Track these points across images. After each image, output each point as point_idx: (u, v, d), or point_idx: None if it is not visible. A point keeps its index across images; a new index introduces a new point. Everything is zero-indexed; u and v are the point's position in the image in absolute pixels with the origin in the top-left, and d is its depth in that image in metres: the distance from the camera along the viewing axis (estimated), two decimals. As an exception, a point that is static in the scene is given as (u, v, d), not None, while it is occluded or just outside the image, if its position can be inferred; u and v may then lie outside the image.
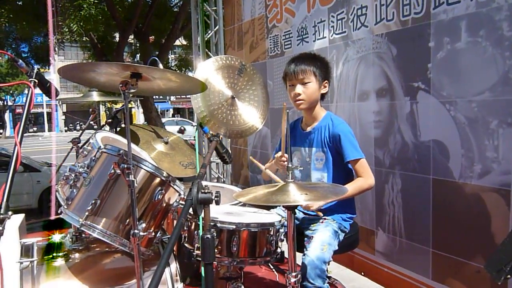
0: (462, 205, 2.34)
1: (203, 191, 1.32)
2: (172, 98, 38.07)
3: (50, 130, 33.09)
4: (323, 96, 2.29)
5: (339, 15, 3.08)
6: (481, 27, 2.16)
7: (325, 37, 3.25)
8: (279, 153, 2.16)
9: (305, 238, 2.13)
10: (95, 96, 3.02)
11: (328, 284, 2.00)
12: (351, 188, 2.08)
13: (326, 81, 2.25)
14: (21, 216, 2.46)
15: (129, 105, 1.68)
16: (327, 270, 2.02)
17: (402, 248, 2.75)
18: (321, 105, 2.32)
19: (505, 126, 2.09)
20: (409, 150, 2.63)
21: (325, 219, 2.19)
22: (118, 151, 1.75)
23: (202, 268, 1.46)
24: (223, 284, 2.11)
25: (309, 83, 2.19)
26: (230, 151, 1.94)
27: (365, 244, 3.03)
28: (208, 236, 1.36)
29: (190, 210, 1.38)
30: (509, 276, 1.46)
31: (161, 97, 34.78)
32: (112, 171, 1.70)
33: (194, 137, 2.59)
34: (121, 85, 1.58)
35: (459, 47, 2.27)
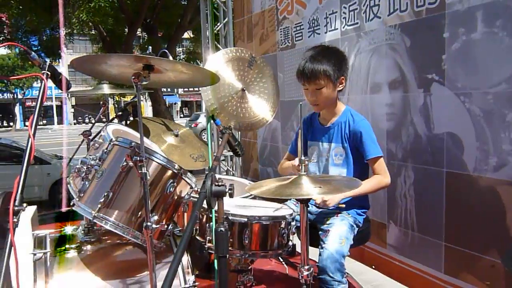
0: (476, 199, 2.31)
1: (216, 183, 1.31)
2: (180, 91, 38.13)
3: (59, 123, 33.35)
4: (341, 90, 2.25)
5: (351, 6, 3.04)
6: (498, 17, 2.11)
7: (337, 29, 3.21)
8: (297, 160, 2.00)
9: (320, 232, 2.11)
10: (106, 89, 3.02)
11: (346, 279, 1.98)
12: (368, 184, 2.06)
13: (342, 77, 2.17)
14: (33, 208, 2.47)
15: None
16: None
17: (414, 242, 2.73)
18: (339, 100, 2.28)
19: (522, 118, 2.05)
20: (422, 142, 2.59)
21: (339, 213, 2.17)
22: (130, 144, 1.75)
23: (215, 261, 1.45)
24: (234, 277, 2.11)
25: (322, 89, 2.12)
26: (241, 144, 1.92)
27: (376, 237, 3.01)
28: (222, 229, 1.35)
29: (204, 203, 1.37)
30: (527, 271, 1.44)
31: (169, 90, 34.86)
32: (125, 163, 1.70)
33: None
34: (133, 77, 1.57)
35: (475, 38, 2.22)
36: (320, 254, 1.98)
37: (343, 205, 2.07)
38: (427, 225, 2.63)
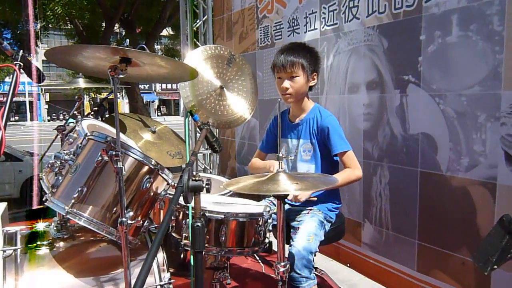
0: (448, 198, 2.36)
1: (193, 178, 1.30)
2: (158, 89, 37.75)
3: (32, 119, 32.48)
4: (311, 87, 2.28)
5: (331, 6, 3.07)
6: (472, 21, 2.17)
7: (316, 29, 3.24)
8: (276, 164, 1.82)
9: (291, 229, 2.12)
10: (81, 83, 2.96)
11: (314, 275, 2.00)
12: (339, 177, 2.07)
13: (315, 73, 2.23)
14: (3, 205, 2.40)
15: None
16: (313, 261, 2.02)
17: (389, 240, 2.77)
18: (308, 97, 2.30)
19: (493, 120, 2.11)
20: (397, 142, 2.64)
21: (310, 209, 2.19)
22: (105, 138, 1.71)
23: (191, 257, 1.44)
24: (210, 274, 2.10)
25: (297, 77, 2.17)
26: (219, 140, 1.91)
27: (352, 235, 3.05)
28: (199, 224, 1.33)
29: (180, 199, 1.35)
30: (495, 266, 1.48)
31: (146, 87, 34.45)
32: (100, 158, 1.67)
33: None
34: (110, 70, 1.54)
35: (450, 41, 2.28)
36: (289, 251, 1.99)
37: (315, 198, 2.08)
38: (401, 223, 2.68)
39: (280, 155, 1.71)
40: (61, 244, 1.93)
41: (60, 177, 1.76)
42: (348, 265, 3.17)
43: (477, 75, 2.16)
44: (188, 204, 1.72)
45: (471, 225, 2.24)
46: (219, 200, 2.25)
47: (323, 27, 3.17)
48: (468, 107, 2.22)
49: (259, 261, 3.19)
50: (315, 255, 2.04)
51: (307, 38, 3.32)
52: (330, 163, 2.23)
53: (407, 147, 2.58)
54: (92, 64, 1.69)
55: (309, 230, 2.05)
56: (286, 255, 1.83)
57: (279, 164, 1.70)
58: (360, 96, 2.89)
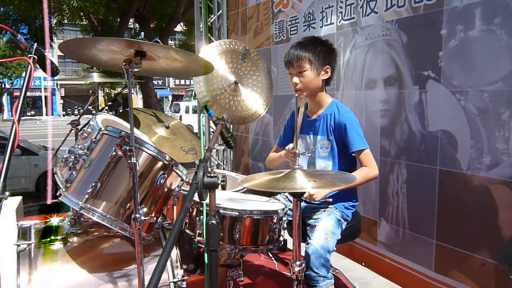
0: (469, 197, 2.30)
1: (209, 175, 1.27)
2: (171, 84, 37.91)
3: (48, 114, 32.92)
4: (327, 81, 2.22)
5: (348, 0, 3.00)
6: (497, 15, 2.09)
7: (333, 23, 3.17)
8: (291, 145, 2.03)
9: (308, 227, 2.09)
10: (96, 77, 2.95)
11: (332, 274, 1.96)
12: (357, 176, 2.03)
13: (327, 66, 2.15)
14: (18, 199, 2.40)
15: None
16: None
17: (405, 239, 2.72)
18: (326, 91, 2.25)
19: (517, 117, 2.04)
20: (416, 140, 2.58)
21: (327, 207, 2.15)
22: (119, 133, 1.69)
23: (205, 255, 1.41)
24: (223, 271, 2.08)
25: (305, 72, 2.12)
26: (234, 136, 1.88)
27: (367, 234, 3.00)
28: (213, 222, 1.30)
29: (195, 195, 1.33)
30: (521, 270, 1.43)
31: (160, 83, 34.63)
32: (114, 153, 1.65)
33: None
34: (124, 63, 1.52)
35: (473, 35, 2.21)
36: (306, 249, 1.96)
37: (330, 199, 2.04)
38: (418, 223, 2.62)
39: (297, 151, 1.67)
40: (75, 239, 1.92)
41: (74, 172, 1.75)
42: (363, 264, 3.12)
43: (500, 70, 2.09)
44: (202, 201, 1.69)
45: (492, 225, 2.17)
46: (233, 196, 2.22)
47: (339, 22, 3.11)
48: (490, 103, 2.15)
49: (273, 258, 3.17)
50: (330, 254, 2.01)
51: (323, 33, 3.27)
52: (348, 160, 2.18)
53: (426, 145, 2.52)
54: (107, 57, 1.66)
55: (326, 228, 2.01)
56: (302, 254, 1.80)
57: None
58: (377, 92, 2.83)
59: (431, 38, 2.41)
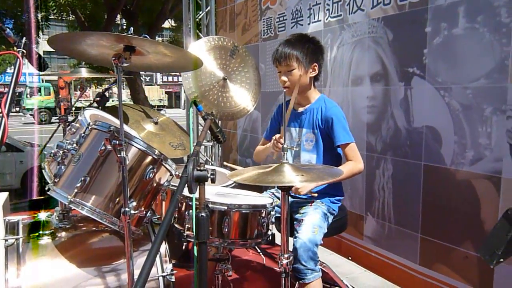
0: (452, 192, 2.35)
1: (198, 168, 1.29)
2: (159, 81, 37.66)
3: (33, 110, 32.36)
4: (316, 78, 2.25)
5: (335, -3, 3.04)
6: (479, 13, 2.14)
7: (320, 20, 3.21)
8: (278, 135, 2.06)
9: (295, 222, 2.11)
10: (84, 73, 2.93)
11: (319, 266, 2.00)
12: (343, 170, 2.06)
13: (314, 64, 2.19)
14: (5, 195, 2.39)
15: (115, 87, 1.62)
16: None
17: (391, 233, 2.77)
18: (315, 87, 2.28)
19: (499, 113, 2.09)
20: (401, 136, 2.62)
21: (313, 201, 2.18)
22: (108, 128, 1.70)
23: (195, 248, 1.43)
24: (212, 265, 2.10)
25: (294, 70, 2.14)
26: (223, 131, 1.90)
27: (354, 229, 3.04)
28: (203, 214, 1.32)
29: (185, 190, 1.34)
30: (501, 259, 1.47)
31: (148, 80, 34.35)
32: (103, 147, 1.65)
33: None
34: (113, 58, 1.52)
35: (456, 33, 2.25)
36: (293, 243, 1.99)
37: (316, 194, 2.07)
38: (404, 217, 2.67)
39: (285, 146, 1.70)
40: (63, 234, 1.93)
41: (62, 167, 1.75)
42: (350, 258, 3.16)
43: (483, 67, 2.14)
44: (192, 195, 1.71)
45: (475, 219, 2.23)
46: (222, 191, 2.24)
47: (327, 19, 3.14)
48: (473, 100, 2.20)
49: (261, 254, 3.20)
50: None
51: (310, 29, 3.29)
52: (333, 154, 2.21)
53: (411, 140, 2.57)
54: (96, 52, 1.67)
55: (313, 222, 2.04)
56: (290, 248, 1.83)
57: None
58: (364, 88, 2.87)
59: (416, 35, 2.45)
